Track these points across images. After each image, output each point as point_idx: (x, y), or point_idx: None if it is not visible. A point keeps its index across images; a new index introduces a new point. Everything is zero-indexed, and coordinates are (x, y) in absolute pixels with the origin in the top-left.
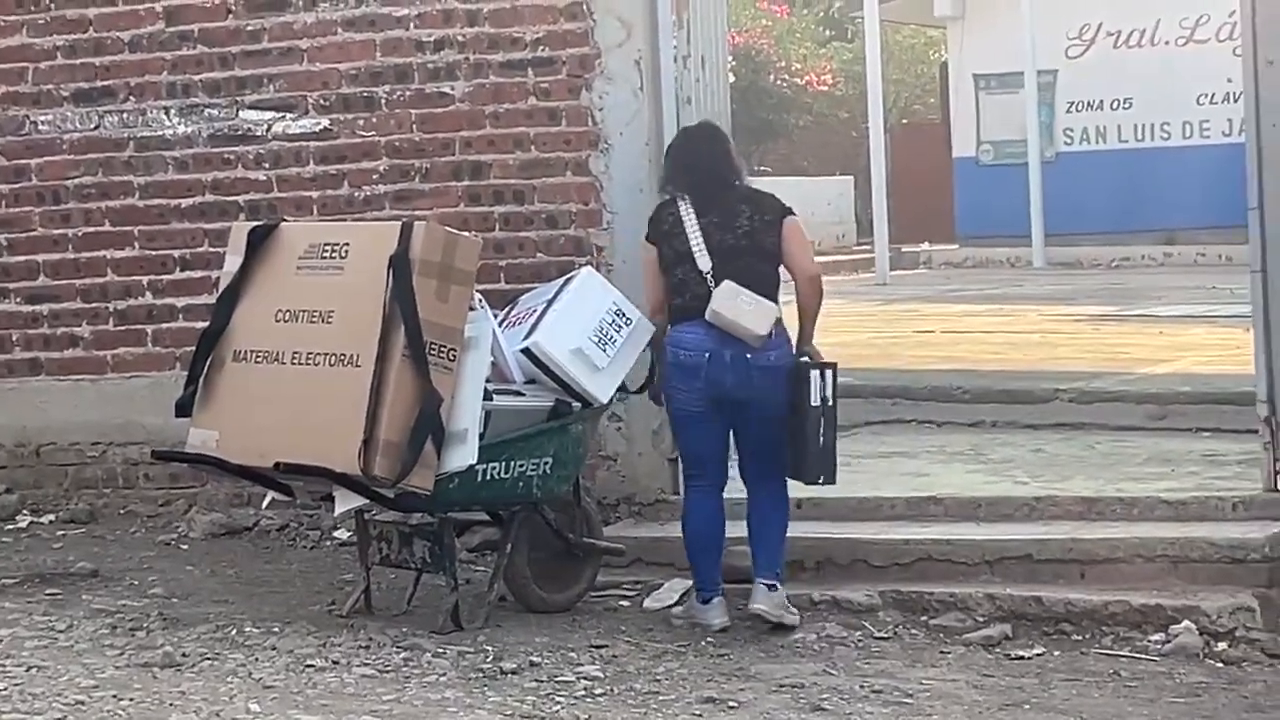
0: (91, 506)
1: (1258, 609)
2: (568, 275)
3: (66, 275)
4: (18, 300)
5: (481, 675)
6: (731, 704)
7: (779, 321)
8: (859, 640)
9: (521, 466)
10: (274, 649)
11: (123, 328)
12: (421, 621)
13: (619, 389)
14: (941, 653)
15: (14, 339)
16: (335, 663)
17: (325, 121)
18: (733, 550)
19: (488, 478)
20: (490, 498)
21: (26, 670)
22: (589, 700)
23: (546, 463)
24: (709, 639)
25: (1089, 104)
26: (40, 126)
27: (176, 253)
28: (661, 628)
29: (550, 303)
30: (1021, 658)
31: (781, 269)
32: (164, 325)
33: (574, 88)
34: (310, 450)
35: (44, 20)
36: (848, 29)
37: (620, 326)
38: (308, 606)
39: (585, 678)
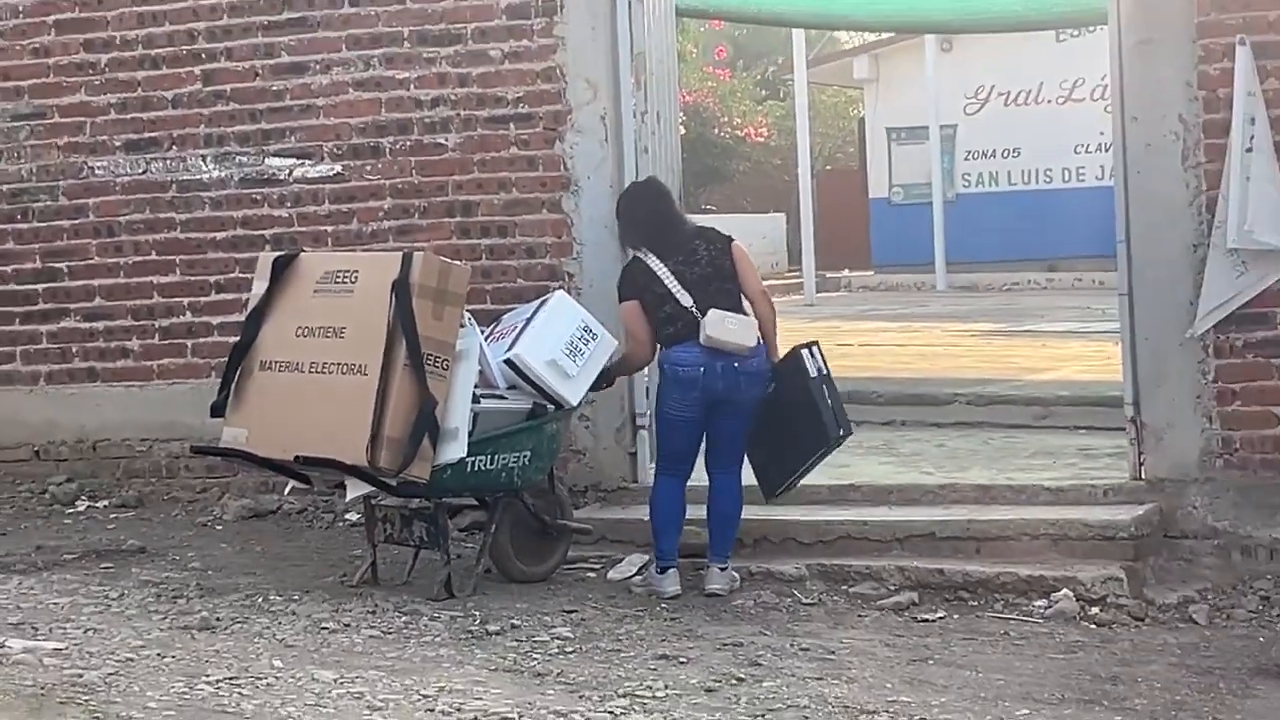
0: (140, 493)
1: (1125, 579)
2: (543, 298)
3: (119, 297)
4: (77, 318)
5: (470, 636)
6: (682, 660)
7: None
8: (789, 606)
9: (504, 459)
10: (294, 614)
11: (166, 342)
12: (420, 591)
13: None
14: (859, 616)
15: (74, 351)
16: (346, 625)
17: (338, 167)
18: (685, 528)
19: (476, 468)
20: (478, 485)
21: (84, 632)
22: (561, 657)
23: (526, 456)
24: (663, 605)
25: (984, 153)
26: (96, 171)
27: (212, 278)
28: (623, 595)
29: (529, 321)
30: (926, 620)
31: None
32: (201, 340)
33: (549, 139)
34: (325, 445)
35: (99, 81)
36: (780, 89)
37: (588, 341)
38: (323, 578)
39: (558, 638)
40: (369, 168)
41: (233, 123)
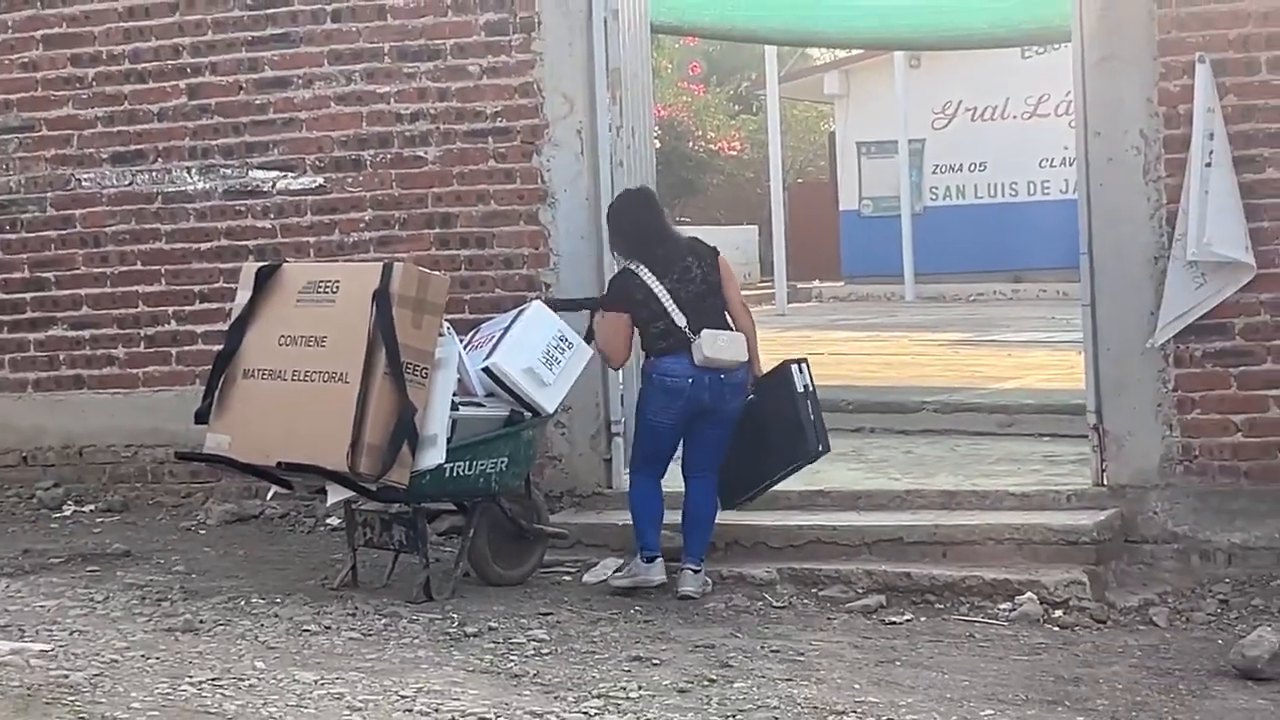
0: (125, 498)
1: (1087, 582)
2: (520, 307)
3: (105, 306)
4: (64, 327)
5: (448, 638)
6: (655, 661)
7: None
8: (760, 609)
9: (482, 465)
10: (276, 616)
11: (152, 350)
12: (399, 593)
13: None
14: (828, 619)
15: (61, 359)
16: (327, 628)
17: (320, 179)
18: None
19: (454, 474)
20: (456, 491)
21: (70, 634)
22: (537, 658)
23: (503, 462)
24: (637, 608)
25: (951, 167)
26: (83, 183)
27: (196, 288)
28: (598, 599)
29: (506, 330)
30: (894, 623)
31: None
32: (186, 348)
33: (526, 152)
34: (307, 452)
35: (86, 95)
36: (753, 104)
37: (564, 350)
38: (304, 581)
39: (534, 639)
40: (350, 180)
41: (217, 135)
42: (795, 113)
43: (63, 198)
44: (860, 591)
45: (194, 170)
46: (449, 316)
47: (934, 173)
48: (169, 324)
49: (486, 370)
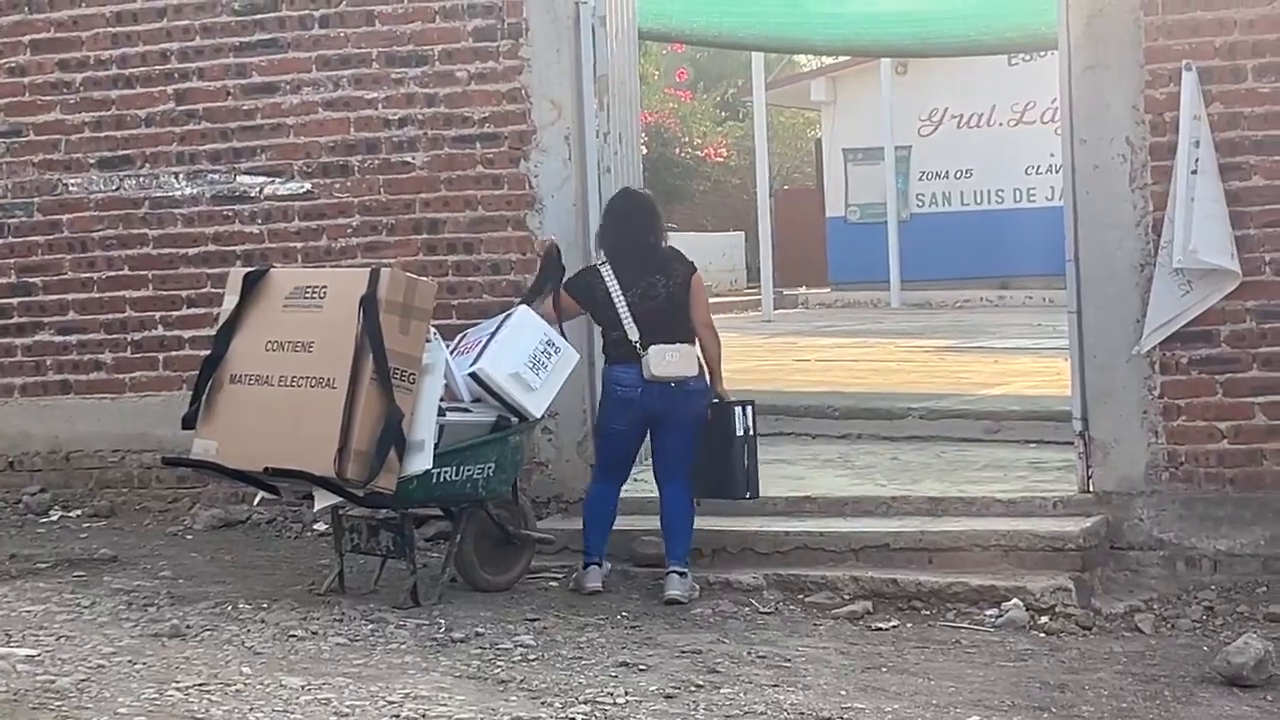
0: (112, 503)
1: (1073, 589)
2: (506, 312)
3: (92, 311)
4: (51, 332)
5: (435, 643)
6: (642, 667)
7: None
8: (747, 614)
9: (469, 470)
10: (263, 622)
11: (139, 355)
12: (386, 599)
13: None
14: (815, 625)
15: (48, 364)
16: (314, 633)
17: (308, 185)
18: (644, 539)
19: (441, 480)
20: (443, 496)
21: (56, 639)
22: (524, 664)
23: (490, 467)
24: (624, 614)
25: (937, 174)
26: (70, 188)
27: (184, 293)
28: (584, 604)
29: (492, 335)
30: (880, 629)
31: None
32: (173, 353)
33: (514, 158)
34: (294, 457)
35: (74, 100)
36: (740, 111)
37: (550, 355)
38: (291, 586)
39: (521, 645)
40: (338, 185)
41: (204, 141)
42: (782, 119)
43: (50, 203)
44: (847, 597)
45: (181, 175)
46: (436, 322)
47: (920, 179)
48: (156, 329)
49: (473, 375)
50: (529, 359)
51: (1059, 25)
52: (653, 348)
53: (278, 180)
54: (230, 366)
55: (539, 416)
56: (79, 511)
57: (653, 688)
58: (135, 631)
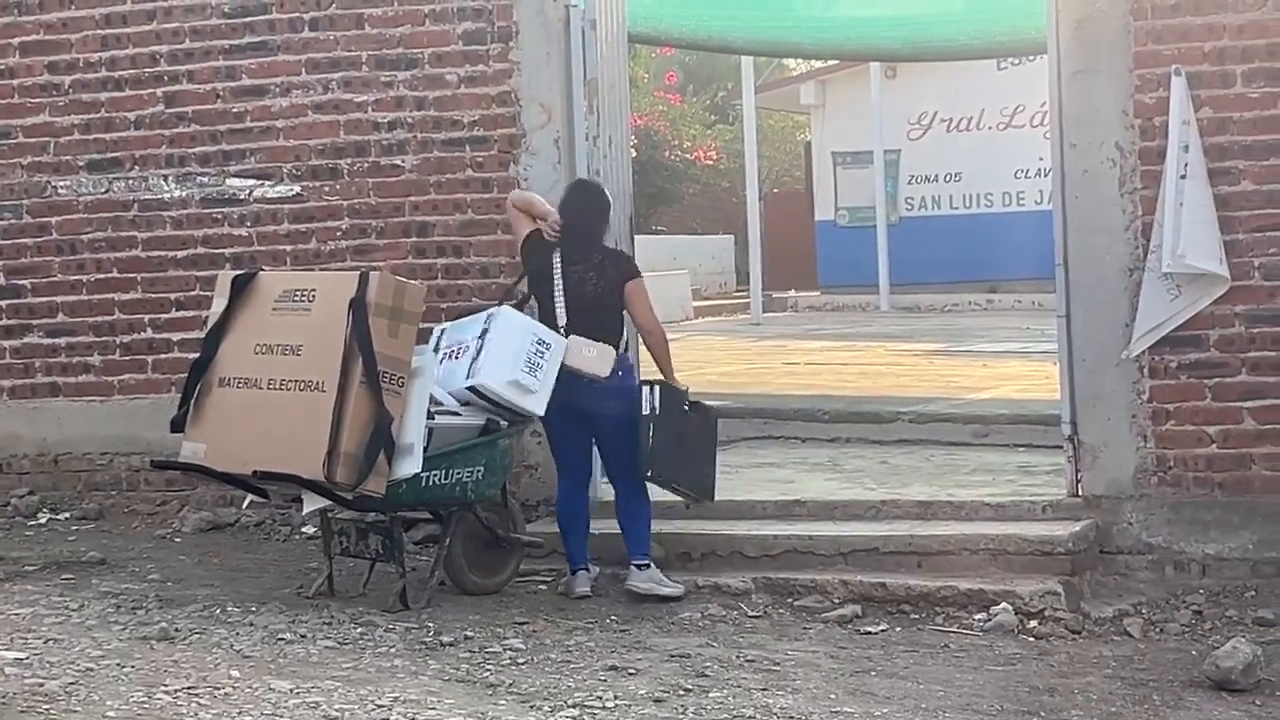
0: (100, 506)
1: (1062, 593)
2: (485, 313)
3: (81, 314)
4: (40, 334)
5: (424, 647)
6: (631, 671)
7: (624, 353)
8: (736, 618)
9: (458, 474)
10: (252, 625)
11: (127, 358)
12: (375, 602)
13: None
14: (804, 628)
15: (37, 366)
16: (303, 636)
17: (297, 188)
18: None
19: (430, 483)
20: (432, 499)
21: (45, 642)
22: (513, 668)
23: (479, 470)
24: (613, 617)
25: (926, 177)
26: (60, 190)
27: (173, 296)
28: (573, 608)
29: (481, 341)
30: (869, 633)
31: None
32: (162, 356)
33: (504, 161)
34: (283, 460)
35: (63, 102)
36: (729, 114)
37: (543, 353)
38: (280, 589)
39: (510, 649)
40: (327, 188)
41: (194, 143)
42: (771, 123)
43: (39, 205)
44: (836, 601)
45: (171, 178)
46: (425, 325)
47: (909, 183)
48: (145, 332)
49: (473, 389)
50: (525, 362)
51: (1048, 29)
52: (573, 338)
53: (267, 183)
54: (219, 369)
55: (541, 415)
56: (67, 514)
57: (642, 691)
58: (123, 634)
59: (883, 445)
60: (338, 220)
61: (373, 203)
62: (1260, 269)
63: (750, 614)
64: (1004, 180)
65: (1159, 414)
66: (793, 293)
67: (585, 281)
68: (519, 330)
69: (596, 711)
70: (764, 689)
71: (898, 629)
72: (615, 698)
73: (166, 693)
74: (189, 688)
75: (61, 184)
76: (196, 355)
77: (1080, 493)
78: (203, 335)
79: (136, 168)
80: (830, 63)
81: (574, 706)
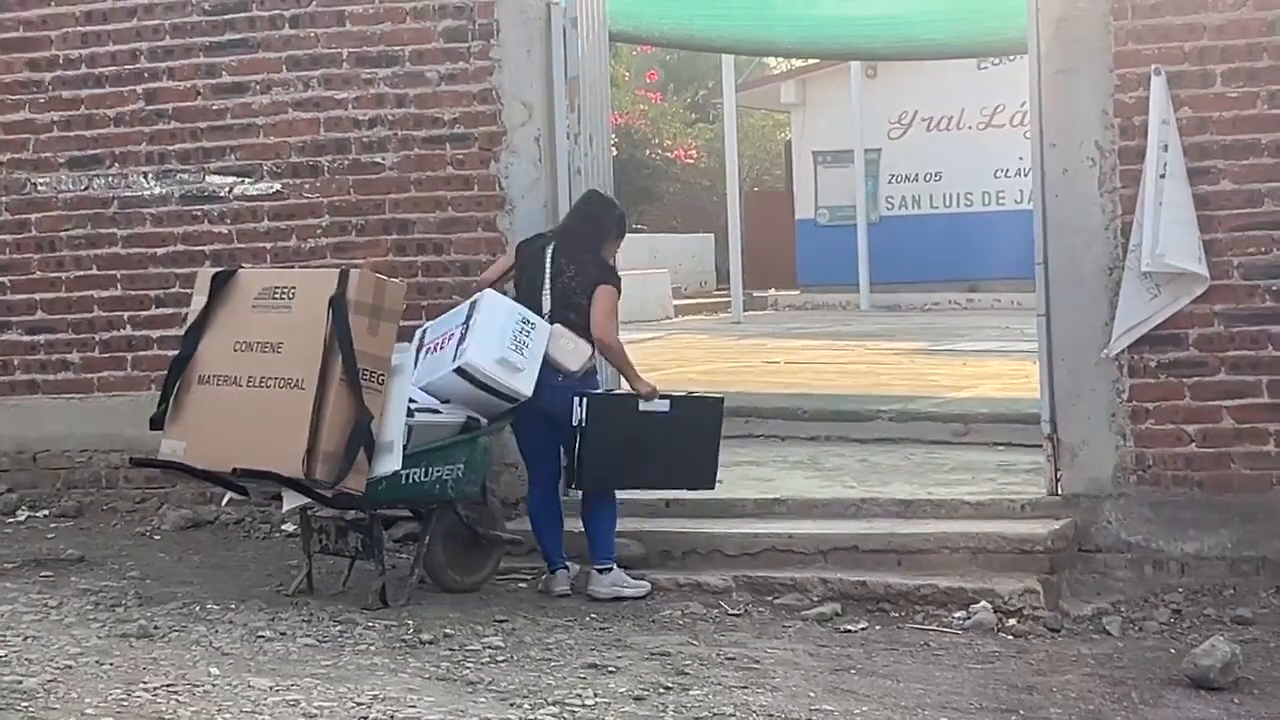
0: (79, 503)
1: (1041, 591)
2: (470, 300)
3: (60, 311)
4: (19, 331)
5: (404, 644)
6: (611, 669)
7: (593, 356)
8: (716, 616)
9: (438, 471)
10: (231, 622)
11: (107, 355)
12: (354, 600)
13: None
14: (784, 627)
15: (15, 364)
16: (282, 634)
17: (278, 185)
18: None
19: (410, 481)
20: (412, 497)
21: (23, 639)
22: (493, 665)
23: (459, 468)
24: (592, 615)
25: (907, 176)
26: (39, 187)
27: (152, 293)
28: (553, 605)
29: (466, 325)
30: (849, 631)
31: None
32: (141, 353)
33: (484, 159)
34: (262, 458)
35: (43, 99)
36: (710, 113)
37: (529, 332)
38: (260, 587)
39: (490, 646)
40: (308, 186)
41: (174, 141)
42: (752, 121)
43: (18, 202)
44: (816, 599)
45: (151, 175)
46: (405, 323)
47: (890, 182)
48: (125, 329)
49: (459, 371)
50: (511, 340)
51: (1029, 29)
52: (555, 326)
53: (247, 180)
54: (198, 367)
55: (529, 395)
56: (46, 512)
57: (621, 689)
58: (103, 632)
59: (863, 444)
60: (318, 218)
61: (353, 200)
62: (1239, 268)
63: (730, 612)
64: (984, 179)
65: (1138, 413)
66: (773, 291)
67: (563, 272)
68: (505, 312)
69: (576, 709)
70: (744, 687)
71: (877, 627)
72: (595, 695)
73: (145, 690)
74: (168, 685)
75: (41, 181)
76: (176, 353)
77: (1059, 491)
78: (182, 333)
79: (116, 165)
80: (811, 62)
81: (554, 704)
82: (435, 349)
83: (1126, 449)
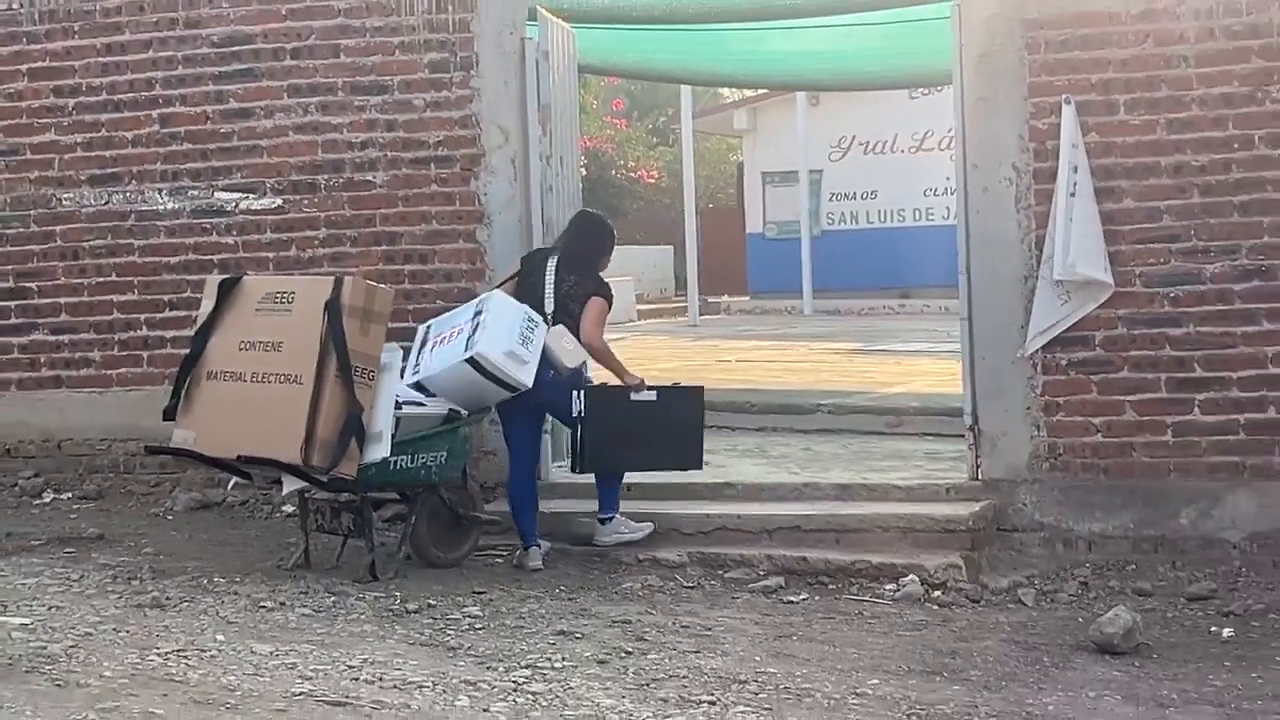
0: (100, 487)
1: (963, 566)
2: (477, 299)
3: (82, 314)
4: (45, 332)
5: (391, 614)
6: (577, 635)
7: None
8: (672, 589)
9: (423, 458)
10: (236, 594)
11: (125, 353)
12: (347, 574)
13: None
14: (733, 598)
15: (42, 361)
16: (282, 604)
17: (279, 201)
18: (580, 520)
19: (398, 466)
20: (400, 481)
21: (48, 609)
22: (472, 632)
23: (442, 455)
24: (561, 588)
25: (846, 195)
26: (64, 202)
27: (166, 297)
28: (527, 579)
29: (476, 320)
30: (791, 602)
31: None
32: (156, 351)
33: (465, 178)
34: (265, 446)
35: (67, 122)
36: (670, 137)
37: (533, 329)
38: (262, 562)
39: (469, 615)
40: (306, 201)
41: (186, 160)
42: (708, 145)
43: (45, 215)
44: (762, 574)
45: (164, 191)
46: (393, 325)
47: (831, 200)
48: (141, 330)
49: (471, 361)
50: (520, 336)
51: (954, 63)
52: (557, 326)
53: (252, 196)
54: (207, 364)
55: (530, 385)
56: (69, 494)
57: (587, 654)
58: (120, 603)
59: (805, 434)
60: (316, 230)
61: (347, 214)
62: (1140, 277)
63: (685, 585)
64: (915, 198)
65: (1050, 406)
66: (726, 298)
67: (564, 282)
68: (512, 310)
69: (546, 671)
70: (696, 651)
71: (817, 598)
72: (563, 659)
73: (158, 654)
74: (178, 650)
75: (65, 196)
76: (187, 351)
77: (980, 477)
78: (193, 333)
79: (134, 182)
80: (760, 92)
81: (526, 667)
82: (442, 342)
83: (1040, 439)
